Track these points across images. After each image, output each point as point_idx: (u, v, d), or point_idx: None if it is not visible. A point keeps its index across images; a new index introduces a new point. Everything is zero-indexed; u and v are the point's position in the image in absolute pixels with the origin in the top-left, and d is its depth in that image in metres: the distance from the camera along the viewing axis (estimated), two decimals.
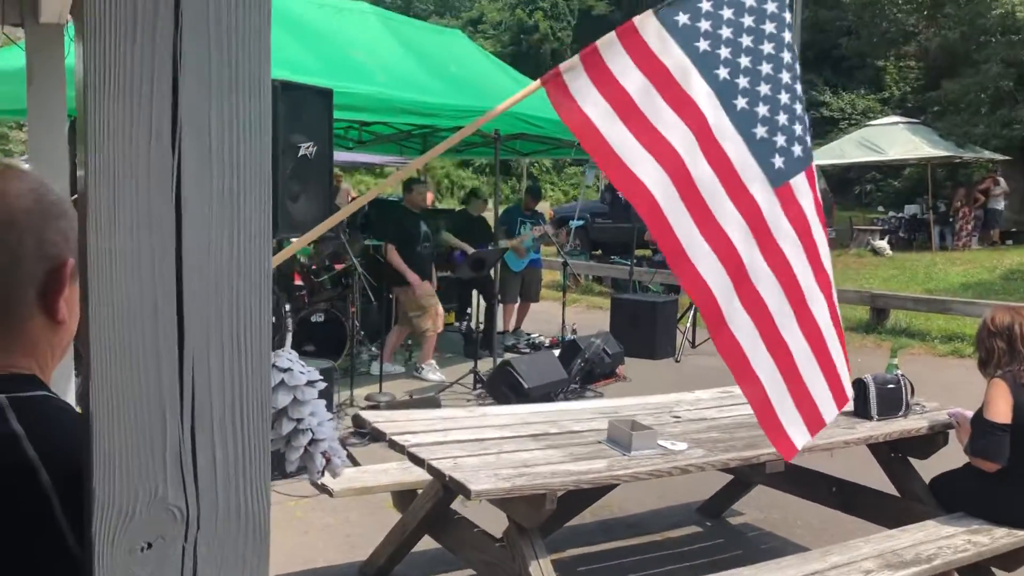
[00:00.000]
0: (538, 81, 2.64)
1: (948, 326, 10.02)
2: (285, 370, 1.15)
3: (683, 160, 2.52)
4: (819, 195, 2.79)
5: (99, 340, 0.76)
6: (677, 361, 8.97)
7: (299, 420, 1.14)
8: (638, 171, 2.50)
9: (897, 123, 20.04)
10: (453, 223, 9.40)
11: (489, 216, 9.22)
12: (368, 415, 3.49)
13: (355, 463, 5.13)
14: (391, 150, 11.29)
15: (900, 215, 19.77)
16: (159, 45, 0.74)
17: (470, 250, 7.83)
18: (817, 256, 2.71)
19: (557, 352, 7.74)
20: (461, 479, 2.79)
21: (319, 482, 3.76)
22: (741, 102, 2.58)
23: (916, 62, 27.17)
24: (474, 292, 9.28)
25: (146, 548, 0.79)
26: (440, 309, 7.86)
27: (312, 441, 1.16)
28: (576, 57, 2.58)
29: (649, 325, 9.13)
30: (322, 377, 1.24)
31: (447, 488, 3.17)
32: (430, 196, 8.93)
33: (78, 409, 0.97)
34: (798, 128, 2.64)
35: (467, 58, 8.98)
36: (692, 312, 9.60)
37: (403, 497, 3.86)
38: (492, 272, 8.47)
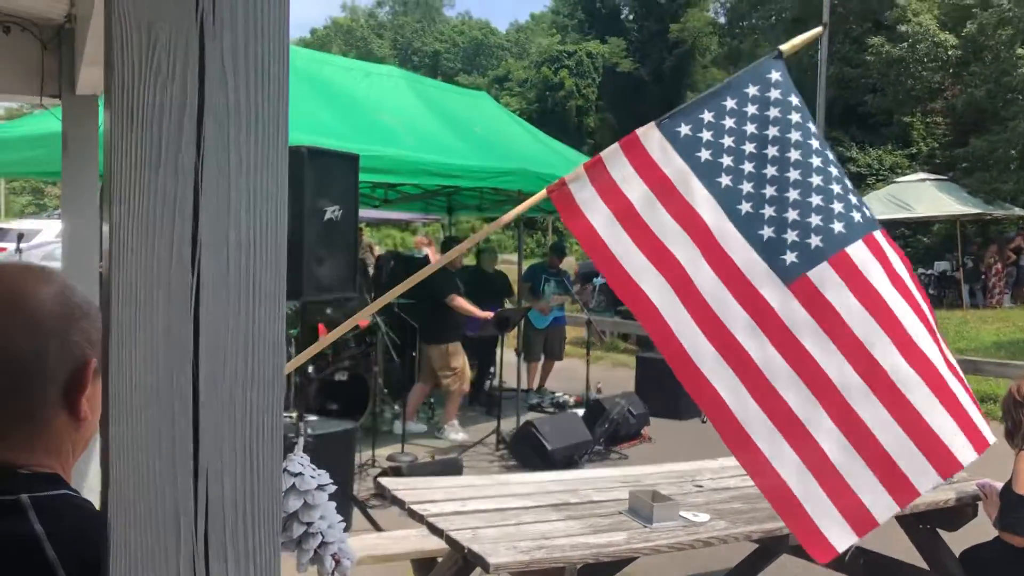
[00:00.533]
0: (544, 191, 2.70)
1: (979, 387, 9.86)
2: (296, 474, 1.18)
3: (684, 268, 2.53)
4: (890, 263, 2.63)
5: (118, 452, 0.78)
6: (703, 422, 8.87)
7: (309, 524, 1.16)
8: (639, 280, 2.52)
9: (924, 180, 19.99)
10: (467, 280, 9.45)
11: (512, 270, 9.28)
12: (388, 482, 3.50)
13: (377, 528, 5.12)
14: (416, 207, 11.44)
15: (930, 271, 19.62)
16: (186, 127, 0.78)
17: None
18: (880, 330, 2.52)
19: (581, 412, 7.71)
20: (480, 551, 2.78)
21: None
22: (745, 207, 2.58)
23: (943, 118, 27.20)
24: (498, 351, 9.31)
25: None
26: (468, 369, 7.89)
27: (322, 544, 1.18)
28: (581, 167, 2.65)
29: (675, 384, 8.90)
30: (332, 481, 1.26)
31: (466, 560, 3.16)
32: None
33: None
34: (815, 218, 2.57)
35: (492, 119, 9.14)
36: None
37: (423, 566, 3.83)
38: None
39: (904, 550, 4.15)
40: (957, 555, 3.76)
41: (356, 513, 5.33)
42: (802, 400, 2.49)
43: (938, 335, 2.62)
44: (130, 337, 0.78)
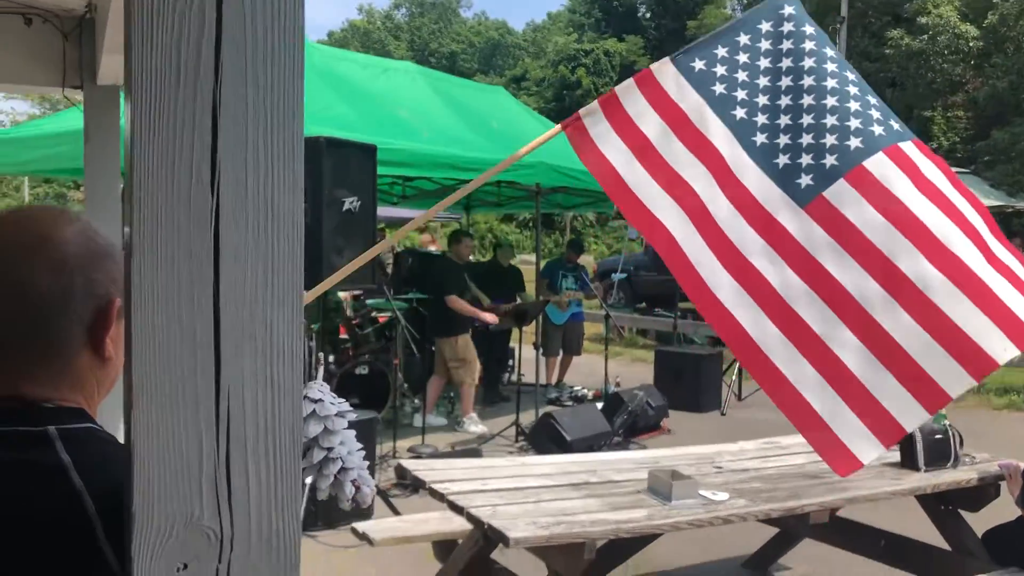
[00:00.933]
0: (558, 126, 2.71)
1: (1004, 378, 9.78)
2: (316, 401, 1.20)
3: (700, 197, 2.54)
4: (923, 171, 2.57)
5: (140, 369, 0.81)
6: (723, 414, 8.86)
7: (329, 449, 1.18)
8: (656, 210, 2.54)
9: None
10: (482, 273, 9.46)
11: (529, 270, 9.30)
12: (409, 464, 3.52)
13: (396, 512, 5.15)
14: (435, 204, 11.46)
15: None
16: (200, 98, 0.80)
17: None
18: (904, 239, 2.48)
19: (600, 405, 7.71)
20: (499, 527, 2.79)
21: (360, 531, 3.78)
22: (760, 138, 2.60)
23: (964, 112, 26.96)
24: (516, 346, 9.33)
25: (182, 568, 0.82)
26: (476, 361, 7.91)
27: (342, 470, 1.20)
28: (595, 103, 2.66)
29: (694, 378, 9.06)
30: (351, 408, 1.28)
31: (487, 537, 3.17)
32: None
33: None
34: (830, 139, 2.56)
35: (508, 114, 9.15)
36: (738, 365, 9.51)
37: (444, 547, 3.85)
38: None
39: (927, 534, 4.13)
40: (979, 536, 3.73)
41: (378, 502, 5.35)
42: (821, 317, 2.48)
43: (986, 236, 2.55)
44: (152, 255, 0.80)
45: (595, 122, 2.64)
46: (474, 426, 7.80)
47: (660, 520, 2.98)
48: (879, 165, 2.54)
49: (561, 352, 9.55)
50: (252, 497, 0.85)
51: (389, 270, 10.74)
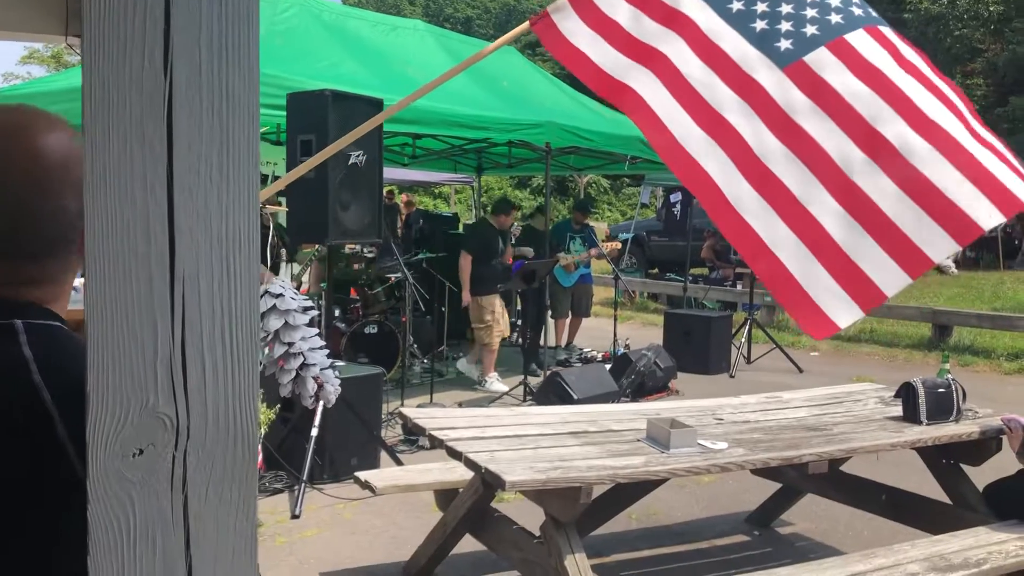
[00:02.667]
0: (527, 23, 2.71)
1: (1015, 344, 9.72)
2: (277, 295, 1.19)
3: (671, 61, 2.50)
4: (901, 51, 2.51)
5: (94, 253, 0.80)
6: (732, 377, 8.86)
7: (290, 344, 1.18)
8: (626, 79, 2.52)
9: None
10: (521, 238, 9.48)
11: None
12: (410, 412, 3.53)
13: (398, 463, 5.19)
14: (446, 167, 11.42)
15: None
16: None
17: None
18: (887, 105, 2.42)
19: (609, 366, 7.71)
20: (496, 470, 2.80)
21: (363, 479, 3.81)
22: (736, 5, 2.56)
23: (983, 79, 26.54)
24: (518, 305, 9.37)
25: (138, 454, 0.83)
26: (500, 323, 7.92)
27: (303, 366, 1.19)
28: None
29: (703, 340, 9.04)
30: (313, 304, 1.27)
31: (486, 484, 3.19)
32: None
33: None
34: (810, 11, 2.52)
35: (519, 73, 9.06)
36: (748, 327, 9.49)
37: (446, 497, 3.88)
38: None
39: (929, 490, 4.13)
40: (980, 490, 3.72)
41: (384, 457, 5.39)
42: (799, 179, 2.43)
43: (968, 117, 2.50)
44: (103, 138, 0.79)
45: (564, 17, 2.63)
46: (496, 384, 7.84)
47: (657, 467, 2.98)
48: (861, 40, 2.50)
49: (570, 314, 9.54)
50: (209, 385, 0.85)
51: (400, 230, 10.75)
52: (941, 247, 2.35)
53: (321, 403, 4.84)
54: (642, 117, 2.52)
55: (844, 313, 2.39)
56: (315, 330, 1.16)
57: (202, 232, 0.83)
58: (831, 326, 2.39)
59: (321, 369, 1.13)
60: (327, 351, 1.17)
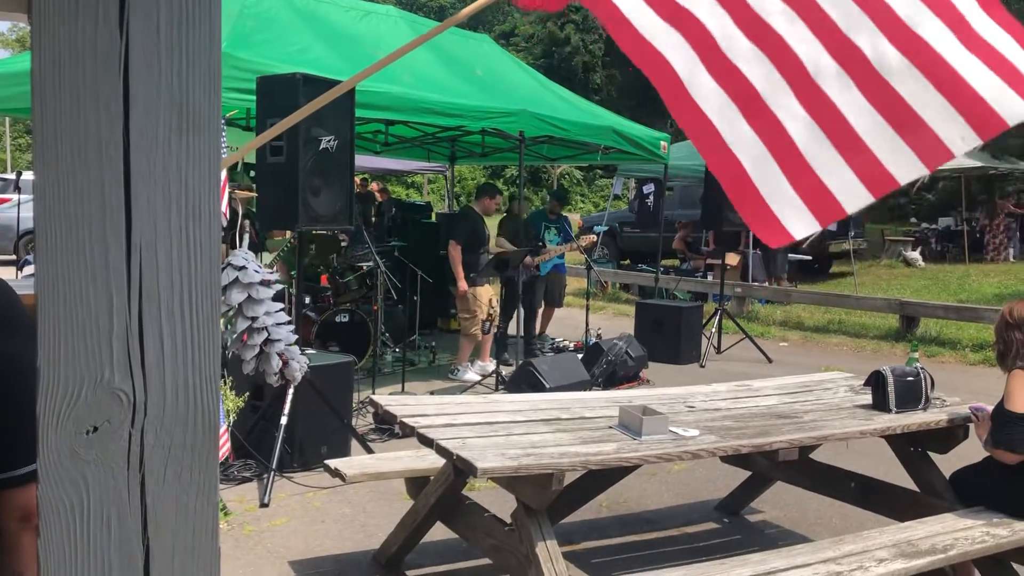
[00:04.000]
0: None
1: (980, 335, 9.84)
2: (240, 268, 1.16)
3: None
4: None
5: (45, 221, 0.76)
6: (702, 366, 8.89)
7: (254, 319, 1.14)
8: None
9: None
10: (502, 228, 9.40)
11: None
12: (381, 399, 3.50)
13: (369, 451, 5.15)
14: (419, 155, 11.34)
15: (933, 227, 19.48)
16: None
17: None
18: (866, 17, 2.32)
19: (581, 356, 7.71)
20: (468, 457, 2.78)
21: (333, 467, 3.77)
22: None
23: None
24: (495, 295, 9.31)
25: (92, 432, 0.79)
26: (484, 312, 7.86)
27: (267, 341, 1.16)
28: None
29: (674, 330, 9.07)
30: (278, 278, 1.24)
31: (457, 470, 3.17)
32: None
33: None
34: None
35: (493, 62, 9.01)
36: (718, 318, 9.54)
37: (417, 485, 3.85)
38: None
39: (897, 478, 4.16)
40: (947, 477, 3.76)
41: (355, 445, 5.35)
42: (767, 79, 2.34)
43: (968, 11, 2.38)
44: (55, 101, 0.75)
45: None
46: (468, 373, 7.81)
47: (629, 453, 2.97)
48: None
49: (543, 304, 9.52)
50: (167, 360, 0.81)
51: (373, 219, 10.67)
52: (909, 169, 2.27)
53: (291, 391, 4.81)
54: (600, 9, 2.41)
55: (801, 224, 2.32)
56: (280, 305, 1.13)
57: (160, 199, 0.79)
58: (785, 235, 2.33)
59: (286, 345, 1.10)
60: (292, 326, 1.14)
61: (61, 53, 0.75)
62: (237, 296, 1.04)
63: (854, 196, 2.30)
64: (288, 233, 7.74)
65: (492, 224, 8.77)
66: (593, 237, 10.34)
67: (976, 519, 3.34)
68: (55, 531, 0.79)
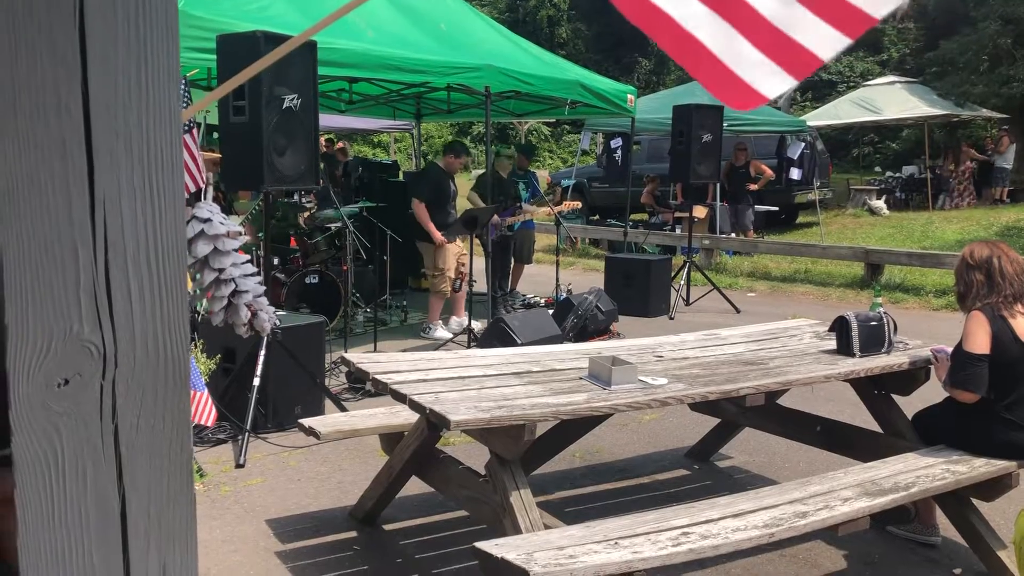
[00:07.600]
0: None
1: (942, 280, 10.02)
2: (205, 220, 1.16)
3: None
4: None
5: (7, 177, 0.76)
6: (671, 319, 8.99)
7: (220, 270, 1.15)
8: None
9: (895, 83, 19.90)
10: (481, 185, 9.34)
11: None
12: (352, 356, 3.51)
13: (343, 410, 5.17)
14: (385, 113, 11.22)
15: (898, 175, 19.68)
16: None
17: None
18: None
19: (551, 311, 7.75)
20: (441, 411, 2.81)
21: (307, 425, 3.79)
22: None
23: (915, 24, 26.91)
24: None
25: (63, 384, 0.80)
26: (454, 272, 7.86)
27: (235, 292, 1.17)
28: None
29: (643, 283, 9.14)
30: (242, 230, 1.25)
31: (430, 424, 3.20)
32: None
33: None
34: None
35: (457, 16, 8.90)
36: (687, 270, 9.62)
37: (391, 440, 3.89)
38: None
39: (862, 422, 4.26)
40: (909, 418, 3.85)
41: (328, 405, 5.37)
42: None
43: None
44: (9, 52, 0.75)
45: None
46: (439, 331, 7.83)
47: (599, 403, 3.02)
48: None
49: (512, 260, 9.54)
50: (136, 311, 0.82)
51: (340, 177, 10.57)
52: (883, 2, 2.28)
53: (262, 352, 4.81)
54: None
55: (773, 83, 2.34)
56: (246, 256, 1.13)
57: (122, 152, 0.79)
58: (758, 97, 2.34)
59: (255, 296, 1.10)
60: (260, 277, 1.14)
61: (14, 3, 0.74)
62: (203, 248, 1.04)
63: (829, 42, 2.29)
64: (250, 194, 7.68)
65: (461, 183, 8.74)
66: (578, 204, 10.25)
67: (936, 457, 3.44)
68: (31, 482, 0.80)
